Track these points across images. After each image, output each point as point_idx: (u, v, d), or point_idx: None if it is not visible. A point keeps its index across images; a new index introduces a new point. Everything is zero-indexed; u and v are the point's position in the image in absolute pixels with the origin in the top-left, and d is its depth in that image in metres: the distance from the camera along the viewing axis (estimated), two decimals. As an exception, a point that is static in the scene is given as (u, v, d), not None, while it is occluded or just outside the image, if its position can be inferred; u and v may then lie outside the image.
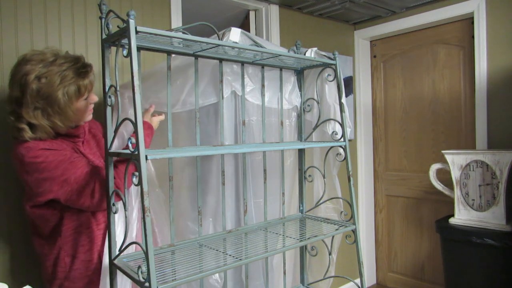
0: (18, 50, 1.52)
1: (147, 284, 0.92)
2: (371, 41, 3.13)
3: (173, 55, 1.35)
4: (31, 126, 1.16)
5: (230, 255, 1.19)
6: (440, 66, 2.71)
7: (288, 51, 1.53)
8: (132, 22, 0.95)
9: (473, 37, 2.46)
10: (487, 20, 2.34)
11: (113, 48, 1.13)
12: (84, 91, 1.21)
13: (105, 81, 1.12)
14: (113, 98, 1.10)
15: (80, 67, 1.20)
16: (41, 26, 1.57)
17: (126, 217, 1.08)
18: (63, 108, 1.17)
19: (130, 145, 0.98)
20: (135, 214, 1.32)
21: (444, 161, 2.24)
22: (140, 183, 0.93)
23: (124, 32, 0.98)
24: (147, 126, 1.35)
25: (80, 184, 1.18)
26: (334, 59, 1.53)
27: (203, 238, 1.37)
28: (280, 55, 1.38)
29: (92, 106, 1.30)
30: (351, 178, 1.49)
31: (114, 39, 1.08)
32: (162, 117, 1.43)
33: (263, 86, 1.57)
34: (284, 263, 1.67)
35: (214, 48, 1.27)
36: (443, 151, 2.22)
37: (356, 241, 1.48)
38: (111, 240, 1.15)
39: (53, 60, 1.16)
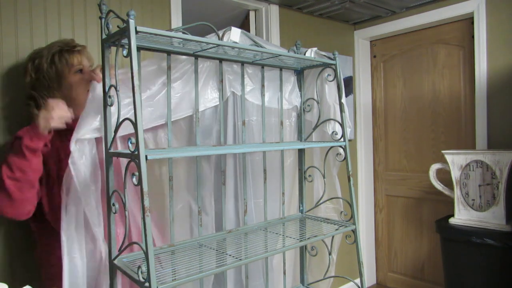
0: (18, 51, 1.52)
1: (147, 284, 0.92)
2: (371, 41, 3.13)
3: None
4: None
5: (230, 255, 1.19)
6: (440, 66, 2.71)
7: (288, 51, 1.53)
8: (132, 22, 0.95)
9: (473, 37, 2.46)
10: (487, 20, 2.34)
11: (113, 48, 1.13)
12: (72, 60, 1.31)
13: (105, 81, 1.12)
14: (113, 98, 1.10)
15: (69, 44, 1.36)
16: (41, 26, 1.57)
17: (126, 217, 1.08)
18: (60, 73, 1.30)
19: (130, 145, 0.98)
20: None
21: (444, 161, 2.24)
22: (140, 183, 0.93)
23: (124, 32, 0.98)
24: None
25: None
26: (334, 59, 1.53)
27: (203, 238, 1.37)
28: (280, 55, 1.38)
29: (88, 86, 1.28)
30: (351, 178, 1.49)
31: (114, 39, 1.08)
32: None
33: (263, 86, 1.57)
34: (284, 263, 1.67)
35: (214, 48, 1.27)
36: (443, 151, 2.22)
37: (356, 241, 1.48)
38: (111, 240, 1.15)
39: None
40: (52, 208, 1.23)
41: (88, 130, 1.17)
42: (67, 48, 1.33)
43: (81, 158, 1.16)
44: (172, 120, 1.34)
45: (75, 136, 1.14)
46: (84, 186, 1.17)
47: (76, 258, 1.16)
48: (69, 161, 1.13)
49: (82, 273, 1.16)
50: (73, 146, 1.13)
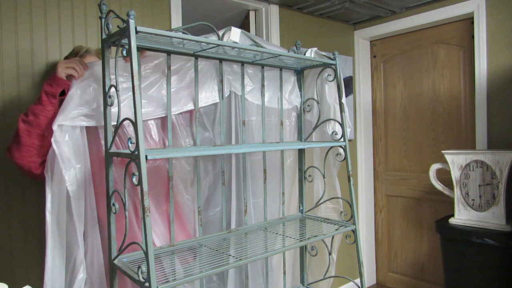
0: (18, 51, 1.52)
1: (147, 284, 0.93)
2: (371, 41, 3.13)
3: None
4: None
5: (230, 255, 1.19)
6: (440, 66, 2.71)
7: (288, 51, 1.53)
8: (132, 22, 0.95)
9: (473, 37, 2.46)
10: (487, 20, 2.34)
11: (113, 48, 1.13)
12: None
13: (105, 81, 1.12)
14: (113, 98, 1.10)
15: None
16: (41, 27, 1.57)
17: (126, 217, 1.08)
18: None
19: (130, 145, 0.98)
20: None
21: (444, 161, 2.24)
22: (140, 183, 0.93)
23: (124, 32, 0.98)
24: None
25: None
26: (334, 59, 1.53)
27: (203, 238, 1.37)
28: (280, 55, 1.38)
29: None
30: (351, 178, 1.49)
31: (114, 39, 1.08)
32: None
33: (263, 86, 1.57)
34: (284, 263, 1.67)
35: (214, 48, 1.27)
36: (443, 151, 2.22)
37: (356, 241, 1.48)
38: (111, 240, 1.15)
39: None
40: None
41: (72, 116, 1.18)
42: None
43: (64, 137, 1.17)
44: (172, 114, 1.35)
45: (58, 118, 1.15)
46: (67, 166, 1.17)
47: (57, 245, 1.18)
48: (52, 140, 1.14)
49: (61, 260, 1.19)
50: (55, 126, 1.14)
